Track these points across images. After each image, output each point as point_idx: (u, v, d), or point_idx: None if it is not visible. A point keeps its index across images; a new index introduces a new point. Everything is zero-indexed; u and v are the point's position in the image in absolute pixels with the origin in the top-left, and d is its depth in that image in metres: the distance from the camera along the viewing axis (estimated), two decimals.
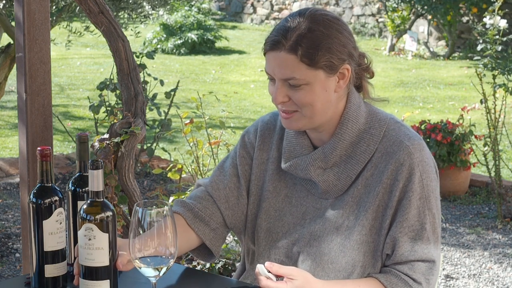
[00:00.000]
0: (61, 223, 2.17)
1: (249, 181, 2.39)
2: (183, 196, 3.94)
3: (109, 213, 2.06)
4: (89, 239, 2.05)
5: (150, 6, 6.41)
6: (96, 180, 2.05)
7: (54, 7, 5.95)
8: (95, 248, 2.05)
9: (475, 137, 6.47)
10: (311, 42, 2.15)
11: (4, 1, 5.74)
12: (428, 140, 6.39)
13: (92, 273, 2.07)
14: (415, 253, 2.18)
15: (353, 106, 2.25)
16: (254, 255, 2.38)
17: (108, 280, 2.07)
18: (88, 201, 2.06)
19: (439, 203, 2.24)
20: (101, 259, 2.06)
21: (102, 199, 2.06)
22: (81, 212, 2.06)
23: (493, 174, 6.00)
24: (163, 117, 6.57)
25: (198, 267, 3.96)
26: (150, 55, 6.21)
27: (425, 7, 13.64)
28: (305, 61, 2.15)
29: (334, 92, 2.21)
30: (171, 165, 4.15)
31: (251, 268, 2.38)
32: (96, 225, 2.04)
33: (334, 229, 2.23)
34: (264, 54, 2.22)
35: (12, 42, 5.76)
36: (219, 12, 18.77)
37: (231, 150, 2.51)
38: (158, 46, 14.52)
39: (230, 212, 2.40)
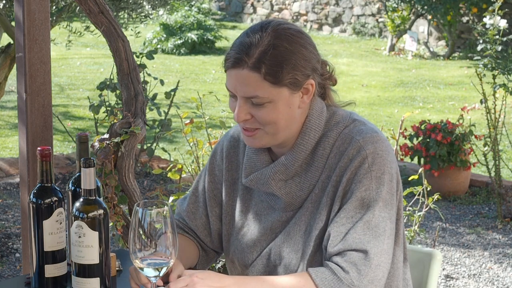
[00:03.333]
0: (61, 223, 2.17)
1: (221, 203, 2.35)
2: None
3: (101, 211, 2.07)
4: (79, 237, 2.06)
5: (150, 6, 6.41)
6: (88, 178, 2.06)
7: (54, 7, 5.95)
8: (84, 245, 2.06)
9: (475, 137, 6.47)
10: (274, 59, 2.08)
11: (4, 1, 5.74)
12: (428, 140, 6.39)
13: (82, 270, 2.08)
14: (345, 242, 2.08)
15: (315, 114, 2.19)
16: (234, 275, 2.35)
17: (98, 278, 2.08)
18: (81, 199, 2.07)
19: (393, 197, 2.14)
20: (91, 257, 2.07)
21: (94, 197, 2.07)
22: (73, 209, 2.08)
23: (493, 174, 6.00)
24: (163, 117, 6.57)
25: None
26: (150, 56, 6.21)
27: (425, 7, 13.64)
28: (269, 79, 2.08)
29: (298, 108, 2.16)
30: (171, 165, 4.14)
31: None
32: (87, 223, 2.06)
33: (299, 237, 2.19)
34: (225, 71, 2.15)
35: (12, 42, 5.76)
36: (219, 12, 18.77)
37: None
38: (158, 46, 14.52)
39: (210, 238, 2.38)
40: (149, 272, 2.00)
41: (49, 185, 2.17)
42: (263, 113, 2.12)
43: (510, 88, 5.82)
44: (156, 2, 6.45)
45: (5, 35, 6.31)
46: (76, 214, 2.06)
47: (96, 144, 3.39)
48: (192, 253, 2.37)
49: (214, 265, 3.95)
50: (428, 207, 4.27)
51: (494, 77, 5.78)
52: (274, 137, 2.16)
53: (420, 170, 4.41)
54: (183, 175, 4.18)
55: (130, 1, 6.15)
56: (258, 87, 2.09)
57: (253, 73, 2.08)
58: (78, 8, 5.88)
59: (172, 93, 6.37)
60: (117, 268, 2.36)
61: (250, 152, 2.27)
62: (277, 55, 2.08)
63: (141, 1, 6.24)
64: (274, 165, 2.21)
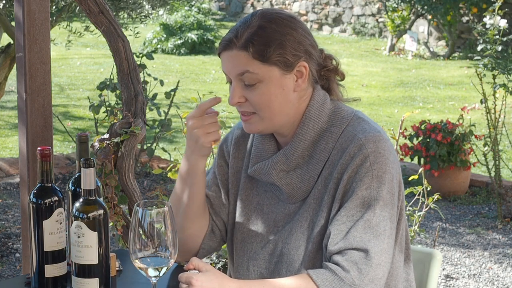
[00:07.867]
0: (61, 223, 2.18)
1: (228, 190, 2.36)
2: None
3: (101, 212, 2.07)
4: (78, 237, 2.06)
5: (150, 6, 6.42)
6: (88, 178, 2.06)
7: (54, 7, 5.95)
8: (84, 246, 2.07)
9: (475, 137, 6.47)
10: (262, 38, 2.12)
11: (4, 1, 5.74)
12: (428, 140, 6.39)
13: (82, 270, 2.08)
14: (346, 241, 2.08)
15: (316, 104, 2.20)
16: (234, 268, 2.34)
17: (98, 278, 2.08)
18: (81, 199, 2.07)
19: (393, 197, 2.14)
20: (90, 257, 2.07)
21: (94, 197, 2.07)
22: (73, 210, 2.08)
23: (493, 174, 6.00)
24: (163, 117, 6.57)
25: None
26: (149, 56, 6.21)
27: (425, 7, 13.64)
28: (257, 57, 2.12)
29: (293, 91, 2.17)
30: (171, 165, 4.14)
31: None
32: (86, 223, 2.06)
33: (300, 234, 2.19)
34: (219, 55, 2.20)
35: (12, 42, 5.76)
36: (219, 12, 18.77)
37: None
38: (158, 46, 14.53)
39: (219, 221, 2.37)
40: (149, 272, 2.00)
41: (49, 185, 2.17)
42: (255, 95, 2.14)
43: (510, 88, 5.82)
44: (156, 2, 6.45)
45: (5, 35, 6.31)
46: (76, 214, 2.06)
47: (96, 144, 3.39)
48: (206, 219, 2.33)
49: (214, 265, 3.95)
50: (428, 207, 4.27)
51: (494, 77, 5.78)
52: (270, 122, 2.17)
53: (420, 170, 4.41)
54: None
55: (130, 1, 6.16)
56: (248, 63, 2.13)
57: (241, 52, 2.13)
58: (78, 8, 5.88)
59: (172, 93, 6.37)
60: (117, 268, 2.36)
61: (257, 142, 2.29)
62: (264, 35, 2.13)
63: (141, 1, 6.25)
64: (276, 156, 2.22)
